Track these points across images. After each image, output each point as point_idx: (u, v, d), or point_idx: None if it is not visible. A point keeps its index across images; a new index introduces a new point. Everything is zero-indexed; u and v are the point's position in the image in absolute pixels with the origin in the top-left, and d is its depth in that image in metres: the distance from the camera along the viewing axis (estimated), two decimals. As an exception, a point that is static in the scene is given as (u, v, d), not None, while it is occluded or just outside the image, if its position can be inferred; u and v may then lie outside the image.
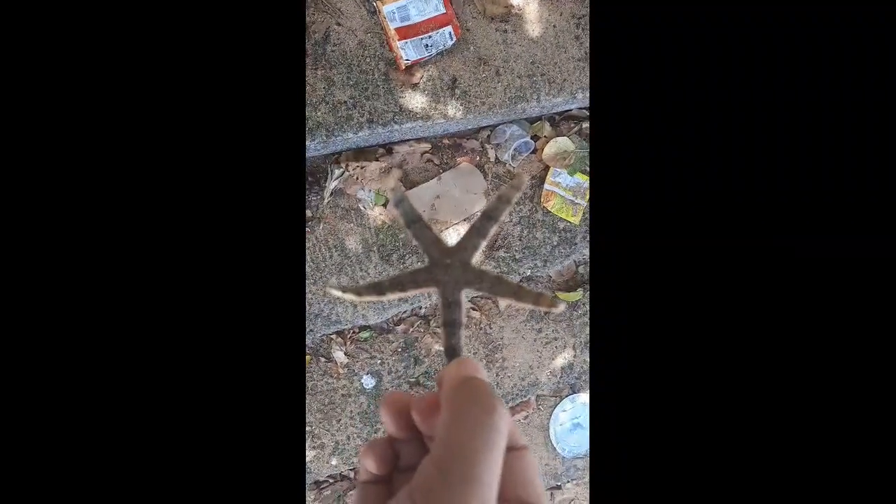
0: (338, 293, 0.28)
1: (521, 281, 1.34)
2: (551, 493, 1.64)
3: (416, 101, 0.97)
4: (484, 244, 0.29)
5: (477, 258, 0.29)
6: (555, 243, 1.25)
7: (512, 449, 0.20)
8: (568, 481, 1.64)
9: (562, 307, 0.27)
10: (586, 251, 1.29)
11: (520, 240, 1.23)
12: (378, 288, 0.28)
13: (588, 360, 1.47)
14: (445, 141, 1.15)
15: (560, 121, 1.22)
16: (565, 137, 1.21)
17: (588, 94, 1.08)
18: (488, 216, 0.29)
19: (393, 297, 0.28)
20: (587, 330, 1.44)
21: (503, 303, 0.27)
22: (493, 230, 0.29)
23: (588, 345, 1.45)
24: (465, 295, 0.27)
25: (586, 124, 1.23)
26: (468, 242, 0.28)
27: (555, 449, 1.53)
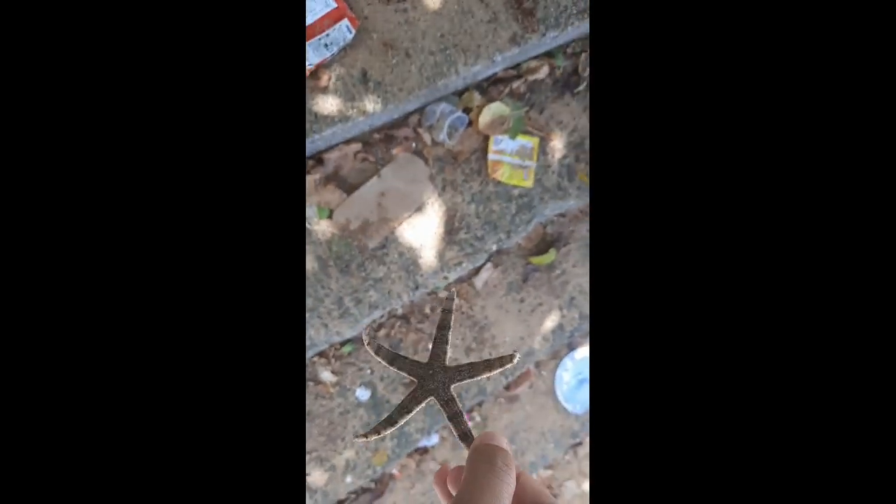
0: (362, 440, 0.36)
1: (489, 257, 1.31)
2: (574, 451, 1.65)
3: (329, 104, 0.92)
4: (448, 348, 0.35)
5: (449, 359, 0.35)
6: (513, 212, 1.22)
7: None
8: (587, 435, 1.65)
9: (517, 358, 0.34)
10: (547, 211, 1.26)
11: (477, 217, 1.19)
12: (390, 420, 0.33)
13: (576, 316, 1.46)
14: (376, 136, 1.10)
15: (489, 87, 1.17)
16: (498, 102, 1.17)
17: (506, 56, 1.04)
18: (442, 327, 0.36)
19: (403, 421, 0.33)
20: (569, 287, 1.43)
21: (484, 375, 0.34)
22: (450, 335, 0.35)
23: (573, 301, 1.44)
24: (454, 390, 0.34)
25: (516, 84, 1.19)
26: (438, 351, 0.35)
27: (566, 409, 1.53)
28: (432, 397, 0.34)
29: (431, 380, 0.34)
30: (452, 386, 0.34)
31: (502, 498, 0.23)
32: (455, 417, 0.33)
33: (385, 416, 0.34)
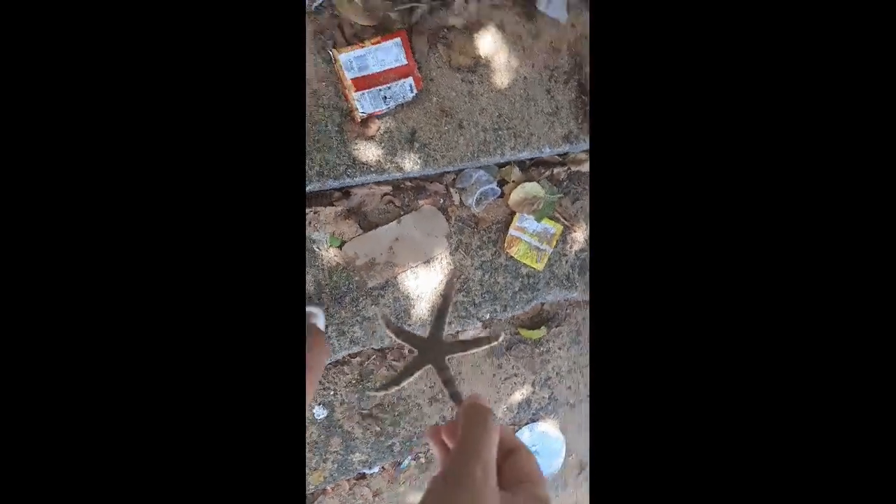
0: (374, 392, 0.43)
1: (480, 325, 1.32)
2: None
3: (370, 153, 0.92)
4: (445, 325, 0.41)
5: (444, 335, 0.41)
6: (516, 289, 1.22)
7: (512, 451, 0.31)
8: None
9: (501, 338, 0.41)
10: (549, 296, 1.26)
11: (480, 284, 1.20)
12: (395, 380, 0.39)
13: (546, 396, 1.46)
14: (408, 183, 1.11)
15: (530, 166, 1.17)
16: (534, 183, 1.17)
17: (555, 150, 1.04)
18: (441, 309, 0.41)
19: (406, 382, 0.39)
20: (548, 367, 1.43)
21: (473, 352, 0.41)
22: (447, 318, 0.41)
23: (547, 382, 1.44)
24: (448, 360, 0.39)
25: (557, 169, 1.18)
26: (436, 328, 0.41)
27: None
28: (430, 364, 0.40)
29: (430, 351, 0.40)
30: (447, 357, 0.40)
31: (494, 447, 0.30)
32: (448, 382, 0.39)
33: (394, 375, 0.40)
